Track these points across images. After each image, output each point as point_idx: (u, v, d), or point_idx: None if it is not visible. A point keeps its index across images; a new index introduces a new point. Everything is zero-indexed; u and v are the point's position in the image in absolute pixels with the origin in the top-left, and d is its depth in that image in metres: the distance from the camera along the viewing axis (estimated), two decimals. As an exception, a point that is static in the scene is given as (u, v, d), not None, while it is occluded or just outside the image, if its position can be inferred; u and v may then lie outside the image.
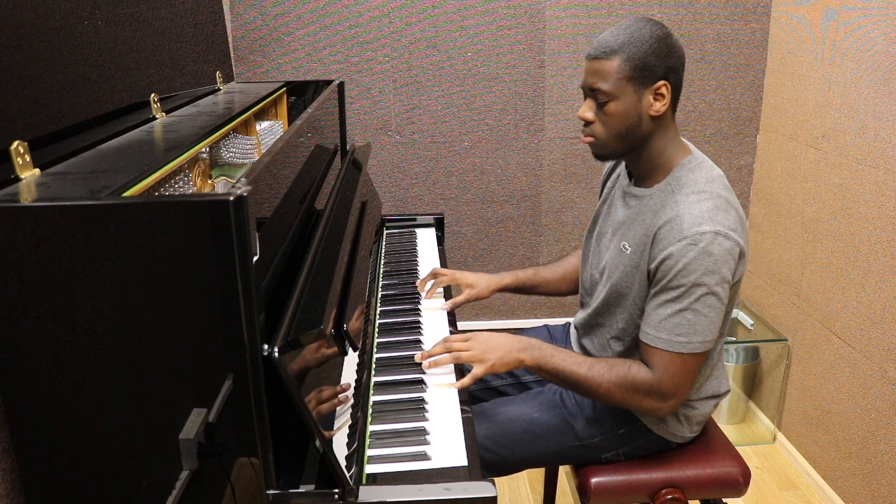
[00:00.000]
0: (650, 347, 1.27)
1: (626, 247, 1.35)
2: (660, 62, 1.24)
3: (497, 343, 1.35)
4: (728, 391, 1.45)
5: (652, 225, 1.28)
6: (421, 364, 1.35)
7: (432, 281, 1.70)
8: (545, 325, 1.75)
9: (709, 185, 1.26)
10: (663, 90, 1.26)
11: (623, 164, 1.45)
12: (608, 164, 1.56)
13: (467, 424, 1.20)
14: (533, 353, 1.34)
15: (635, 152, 1.34)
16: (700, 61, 2.51)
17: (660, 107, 1.27)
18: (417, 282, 1.72)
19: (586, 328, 1.51)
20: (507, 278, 1.70)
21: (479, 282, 1.68)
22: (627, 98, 1.26)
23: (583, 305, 1.55)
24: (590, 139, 1.33)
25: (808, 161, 2.20)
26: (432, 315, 1.62)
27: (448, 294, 1.73)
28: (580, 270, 1.57)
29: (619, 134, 1.30)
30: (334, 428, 1.04)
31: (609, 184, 1.52)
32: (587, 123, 1.32)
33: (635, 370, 1.28)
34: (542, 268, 1.74)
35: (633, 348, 1.37)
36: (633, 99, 1.26)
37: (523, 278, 1.71)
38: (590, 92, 1.30)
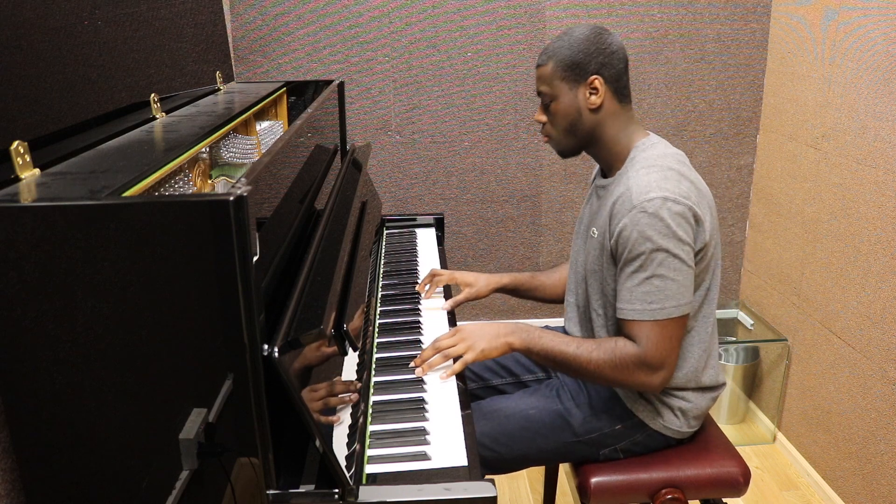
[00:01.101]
0: (628, 322, 1.30)
1: (594, 231, 1.40)
2: (588, 59, 1.35)
3: (484, 330, 1.40)
4: (723, 384, 1.46)
5: (608, 204, 1.34)
6: (418, 374, 1.36)
7: (430, 282, 1.71)
8: (545, 326, 1.75)
9: (660, 160, 1.32)
10: (596, 83, 1.35)
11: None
12: (595, 169, 1.59)
13: (467, 424, 1.20)
14: (521, 336, 1.38)
15: (592, 146, 1.42)
16: (700, 61, 2.51)
17: (595, 99, 1.36)
18: (417, 286, 1.73)
19: (573, 320, 1.54)
20: (505, 278, 1.73)
21: (477, 281, 1.71)
22: (564, 96, 1.38)
23: (568, 307, 1.58)
24: (546, 139, 1.46)
25: (808, 161, 2.20)
26: (432, 315, 1.62)
27: (448, 294, 1.73)
28: (568, 274, 1.59)
29: (565, 129, 1.41)
30: (334, 428, 1.04)
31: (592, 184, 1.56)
32: (543, 125, 1.44)
33: (622, 345, 1.30)
34: (539, 273, 1.78)
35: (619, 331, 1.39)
36: (570, 96, 1.37)
37: (521, 280, 1.74)
38: (539, 96, 1.43)
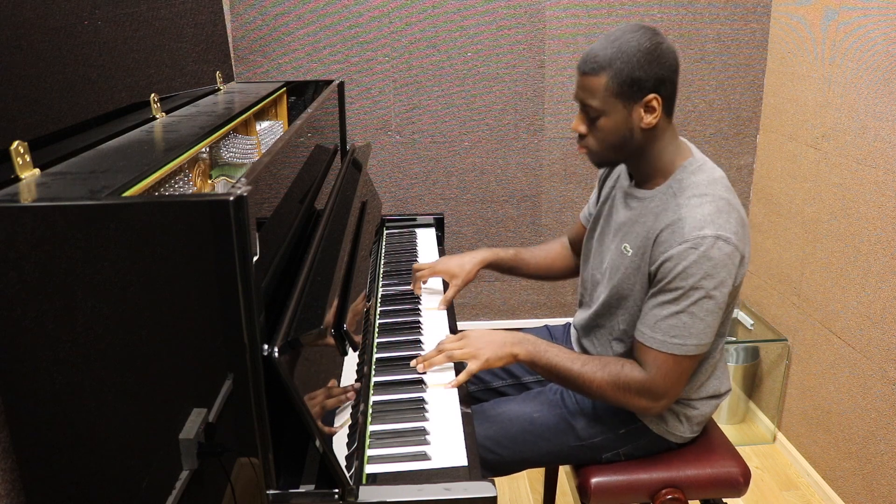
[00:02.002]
0: (644, 347, 1.27)
1: (628, 249, 1.35)
2: (648, 75, 1.23)
3: (490, 339, 1.36)
4: (729, 391, 1.45)
5: (653, 227, 1.28)
6: (418, 370, 1.36)
7: (417, 280, 1.71)
8: (545, 326, 1.75)
9: (711, 187, 1.26)
10: (654, 103, 1.25)
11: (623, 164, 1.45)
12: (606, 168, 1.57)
13: (467, 424, 1.20)
14: (527, 348, 1.35)
15: (635, 158, 1.34)
16: (700, 61, 2.51)
17: (651, 119, 1.26)
18: (410, 286, 1.72)
19: (587, 329, 1.51)
20: (488, 255, 1.69)
21: (460, 270, 1.66)
22: (617, 114, 1.26)
23: (582, 305, 1.56)
24: (584, 150, 1.35)
25: (808, 161, 2.20)
26: (432, 315, 1.62)
27: (446, 287, 1.72)
28: (581, 270, 1.57)
29: (611, 146, 1.31)
30: (334, 428, 1.04)
31: (609, 184, 1.51)
32: (581, 136, 1.33)
33: (628, 369, 1.28)
34: (523, 249, 1.75)
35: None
36: (623, 114, 1.26)
37: (504, 257, 1.71)
38: (581, 105, 1.30)
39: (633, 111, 1.26)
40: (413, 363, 1.37)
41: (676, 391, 1.29)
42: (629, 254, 1.34)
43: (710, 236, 1.20)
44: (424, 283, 1.72)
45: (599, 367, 1.30)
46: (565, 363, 1.33)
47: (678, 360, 1.25)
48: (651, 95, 1.24)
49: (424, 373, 1.35)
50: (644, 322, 1.28)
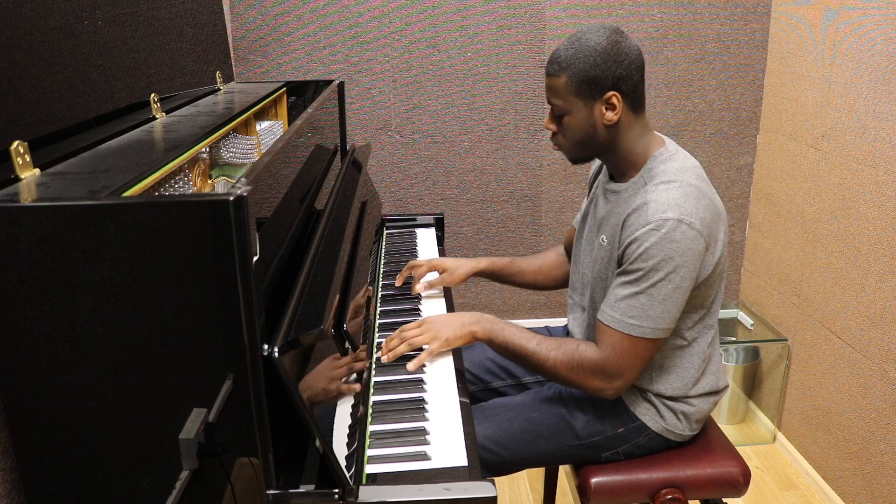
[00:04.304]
0: (602, 325, 1.30)
1: (604, 240, 1.38)
2: (606, 74, 1.28)
3: (448, 320, 1.42)
4: (726, 387, 1.46)
5: (623, 214, 1.31)
6: (382, 360, 1.39)
7: (410, 274, 1.72)
8: (546, 326, 1.75)
9: (680, 174, 1.29)
10: (613, 100, 1.29)
11: None
12: (594, 164, 1.58)
13: (467, 424, 1.20)
14: (484, 326, 1.40)
15: (606, 153, 1.38)
16: (700, 61, 2.51)
17: (612, 115, 1.30)
18: (397, 282, 1.73)
19: (591, 330, 1.52)
20: (482, 263, 1.73)
21: (456, 267, 1.71)
22: (579, 111, 1.32)
23: (573, 309, 1.58)
24: (556, 147, 1.41)
25: (808, 161, 2.20)
26: (433, 313, 1.61)
27: (449, 296, 1.72)
28: (570, 272, 1.58)
29: (579, 143, 1.36)
30: (334, 428, 1.04)
31: (595, 182, 1.55)
32: (553, 134, 1.39)
33: (583, 349, 1.31)
34: (518, 258, 1.78)
35: None
36: (585, 112, 1.31)
37: (500, 265, 1.74)
38: (549, 104, 1.36)
39: (594, 109, 1.31)
40: (378, 354, 1.40)
41: (631, 374, 1.30)
42: (605, 244, 1.37)
43: (672, 219, 1.22)
44: (422, 277, 1.73)
45: (555, 347, 1.33)
46: (521, 341, 1.36)
47: (633, 341, 1.26)
48: (610, 93, 1.29)
49: (386, 361, 1.38)
50: (606, 301, 1.30)
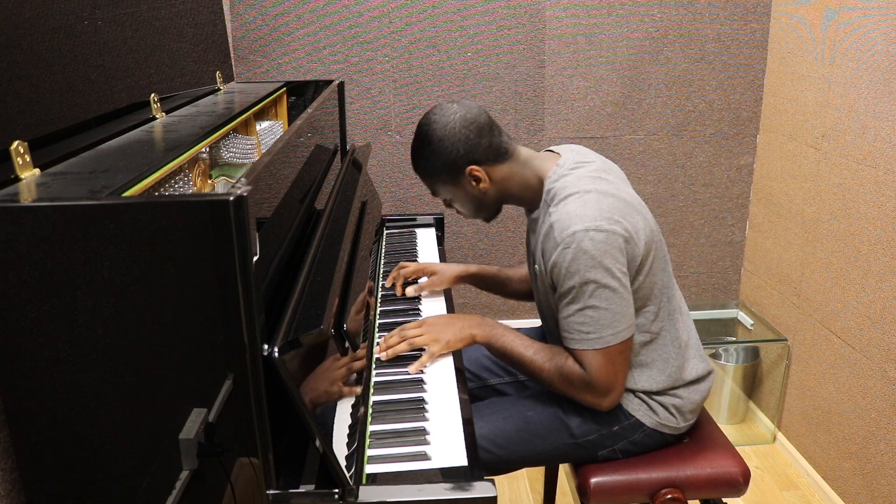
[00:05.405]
0: (571, 350, 1.31)
1: (537, 269, 1.40)
2: (452, 157, 1.35)
3: (449, 322, 1.43)
4: (710, 372, 1.46)
5: (539, 242, 1.35)
6: (381, 358, 1.39)
7: (400, 275, 1.73)
8: (542, 326, 1.75)
9: (574, 185, 1.30)
10: (476, 173, 1.36)
11: None
12: None
13: (467, 424, 1.20)
14: (485, 330, 1.41)
15: (507, 201, 1.44)
16: (700, 61, 2.51)
17: (483, 184, 1.38)
18: (386, 282, 1.74)
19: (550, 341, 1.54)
20: (472, 268, 1.75)
21: (444, 270, 1.73)
22: (456, 194, 1.42)
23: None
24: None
25: (808, 161, 2.20)
26: (433, 314, 1.61)
27: (449, 298, 1.73)
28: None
29: (476, 210, 1.45)
30: (334, 428, 1.04)
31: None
32: (455, 209, 1.47)
33: (570, 363, 1.32)
34: (507, 268, 1.79)
35: None
36: (461, 191, 1.41)
37: (488, 272, 1.76)
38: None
39: (465, 187, 1.39)
40: (376, 352, 1.40)
41: (619, 382, 1.31)
42: (538, 272, 1.39)
43: (578, 230, 1.23)
44: (409, 279, 1.74)
45: (548, 358, 1.35)
46: (519, 349, 1.38)
47: (604, 352, 1.28)
48: (466, 170, 1.36)
49: (385, 359, 1.39)
50: (561, 327, 1.32)
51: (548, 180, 1.36)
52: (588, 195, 1.27)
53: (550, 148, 1.47)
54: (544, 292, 1.40)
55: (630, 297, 1.29)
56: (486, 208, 1.45)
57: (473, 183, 1.37)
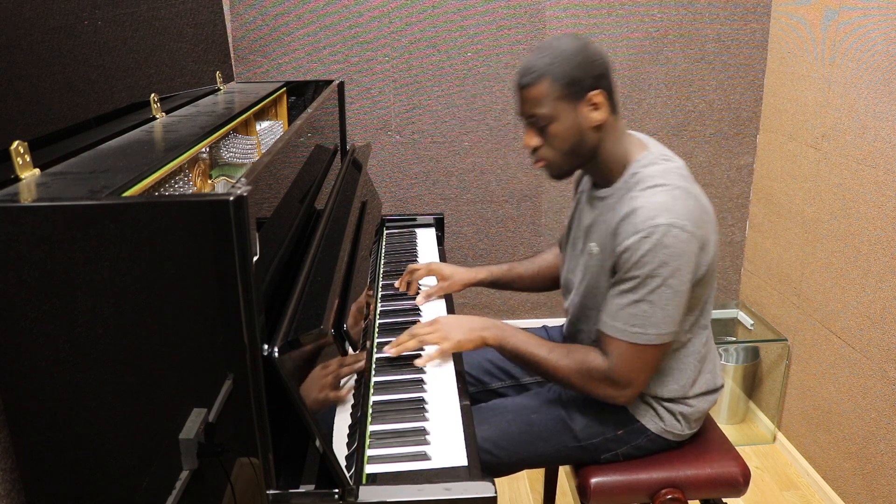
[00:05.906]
0: (606, 336, 1.29)
1: (594, 248, 1.37)
2: (586, 73, 1.26)
3: (460, 322, 1.41)
4: (722, 386, 1.46)
5: (612, 222, 1.30)
6: (391, 354, 1.39)
7: (409, 279, 1.72)
8: (544, 326, 1.75)
9: (665, 177, 1.27)
10: (598, 98, 1.27)
11: None
12: (576, 174, 1.57)
13: (467, 424, 1.20)
14: (495, 332, 1.39)
15: (590, 161, 1.35)
16: (700, 61, 2.51)
17: (598, 115, 1.28)
18: (396, 283, 1.73)
19: (571, 337, 1.53)
20: (481, 273, 1.73)
21: (453, 274, 1.71)
22: (566, 116, 1.28)
23: (566, 314, 1.57)
24: (541, 163, 1.35)
25: (808, 161, 2.20)
26: (432, 315, 1.61)
27: (450, 300, 1.72)
28: (561, 279, 1.59)
29: (568, 152, 1.31)
30: (334, 428, 1.04)
31: (579, 189, 1.54)
32: (535, 149, 1.33)
33: (592, 357, 1.30)
34: (516, 263, 1.76)
35: None
36: (572, 116, 1.28)
37: (498, 274, 1.74)
38: (529, 119, 1.32)
39: (580, 111, 1.28)
40: (386, 349, 1.40)
41: (641, 380, 1.30)
42: (595, 252, 1.36)
43: (663, 224, 1.20)
44: (419, 281, 1.73)
45: (565, 355, 1.33)
46: (532, 349, 1.36)
47: (640, 349, 1.26)
48: (594, 91, 1.27)
49: (394, 355, 1.38)
50: (606, 311, 1.29)
51: (636, 163, 1.31)
52: (677, 191, 1.24)
53: (631, 131, 1.41)
54: (595, 271, 1.35)
55: (684, 303, 1.27)
56: (577, 153, 1.31)
57: (588, 111, 1.27)
